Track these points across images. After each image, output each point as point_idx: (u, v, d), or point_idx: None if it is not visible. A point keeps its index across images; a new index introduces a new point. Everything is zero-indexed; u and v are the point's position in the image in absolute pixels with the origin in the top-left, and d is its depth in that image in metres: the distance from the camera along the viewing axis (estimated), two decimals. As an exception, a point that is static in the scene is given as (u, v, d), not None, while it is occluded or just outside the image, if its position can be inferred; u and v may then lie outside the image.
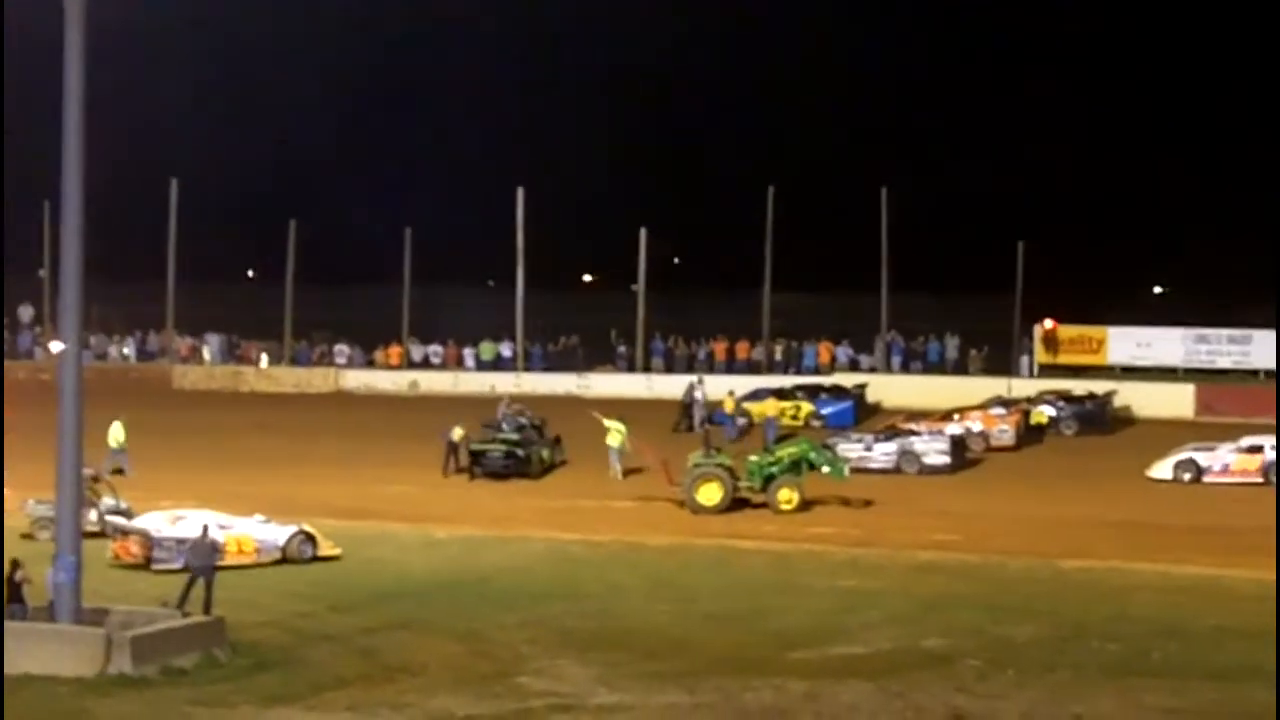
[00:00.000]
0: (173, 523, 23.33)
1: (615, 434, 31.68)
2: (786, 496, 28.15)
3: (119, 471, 30.78)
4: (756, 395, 39.35)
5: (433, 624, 20.00)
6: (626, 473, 31.46)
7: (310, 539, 24.01)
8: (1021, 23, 63.17)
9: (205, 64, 60.46)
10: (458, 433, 31.59)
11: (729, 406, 37.81)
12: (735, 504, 28.22)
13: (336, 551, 24.13)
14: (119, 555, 23.41)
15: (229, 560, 23.05)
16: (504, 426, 33.24)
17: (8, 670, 17.24)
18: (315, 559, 23.83)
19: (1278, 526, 24.25)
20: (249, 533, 23.79)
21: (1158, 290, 58.27)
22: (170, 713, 16.41)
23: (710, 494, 28.16)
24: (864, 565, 24.03)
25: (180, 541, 22.41)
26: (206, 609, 19.18)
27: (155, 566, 22.37)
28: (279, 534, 23.88)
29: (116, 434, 31.42)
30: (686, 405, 38.66)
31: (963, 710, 16.66)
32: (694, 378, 40.37)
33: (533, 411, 35.20)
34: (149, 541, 22.93)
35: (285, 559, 23.68)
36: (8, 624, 17.93)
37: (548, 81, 63.78)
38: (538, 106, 64.18)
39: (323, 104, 64.67)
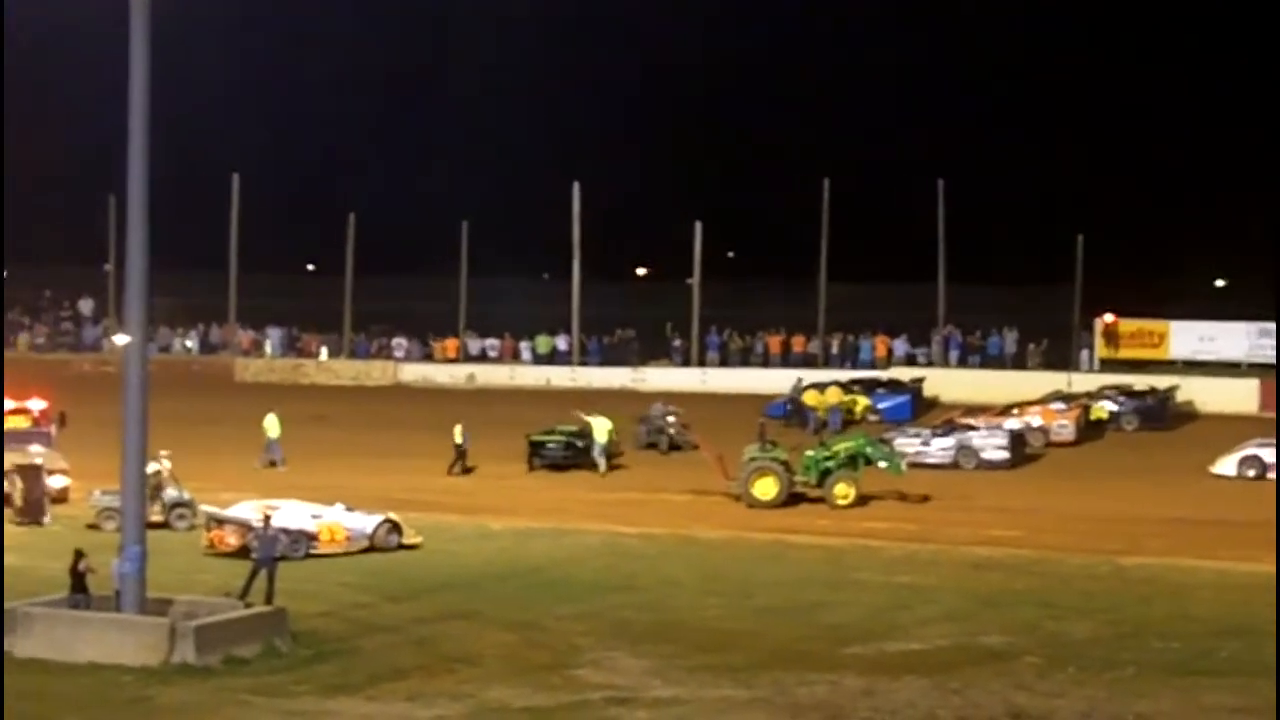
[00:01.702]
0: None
1: (601, 431, 31.75)
2: (843, 491, 28.02)
3: (273, 464, 31.09)
4: (816, 386, 39.31)
5: (488, 615, 20.13)
6: (610, 469, 31.63)
7: (396, 527, 24.37)
8: (1080, 10, 62.39)
9: (266, 58, 61.09)
10: (458, 432, 31.61)
11: (810, 400, 37.99)
12: (791, 498, 28.16)
13: (419, 540, 24.43)
14: (214, 544, 23.78)
15: (321, 548, 23.67)
16: (654, 423, 34.42)
17: (73, 659, 17.60)
18: (400, 547, 24.15)
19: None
20: (339, 521, 24.18)
21: (1220, 283, 57.27)
22: (231, 701, 16.63)
23: (766, 488, 28.10)
24: (920, 561, 23.88)
25: (283, 531, 22.73)
26: (269, 599, 19.43)
27: (254, 555, 22.67)
28: (367, 523, 24.27)
29: (272, 426, 31.56)
30: (794, 401, 38.73)
31: (1021, 708, 16.49)
32: (801, 376, 40.57)
33: (682, 414, 35.42)
34: (247, 531, 23.22)
35: (373, 547, 24.03)
36: (73, 613, 18.32)
37: (603, 75, 63.88)
38: (593, 101, 64.29)
39: (381, 98, 65.20)
